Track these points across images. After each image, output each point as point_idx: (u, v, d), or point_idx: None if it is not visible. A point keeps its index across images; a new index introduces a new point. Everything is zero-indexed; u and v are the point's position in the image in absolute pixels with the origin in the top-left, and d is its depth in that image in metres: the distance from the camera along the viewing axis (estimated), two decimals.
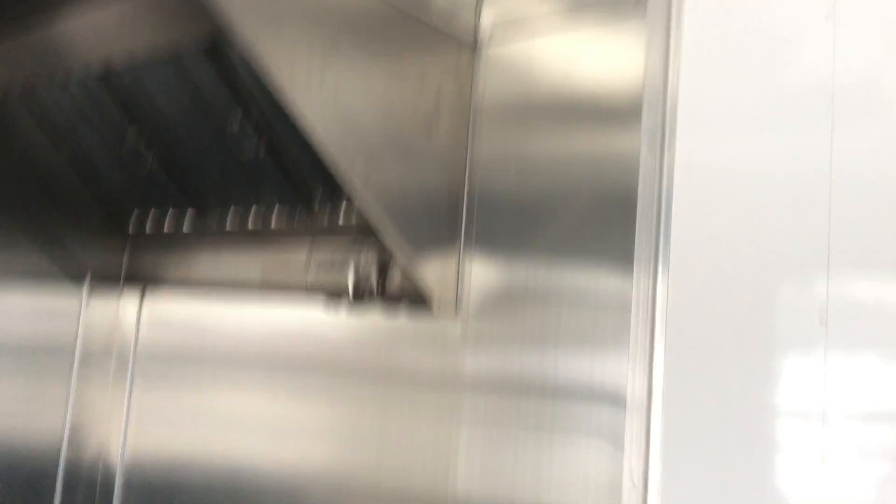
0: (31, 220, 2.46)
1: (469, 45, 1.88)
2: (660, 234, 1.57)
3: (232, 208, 2.26)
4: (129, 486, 2.57)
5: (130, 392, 2.59)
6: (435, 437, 1.83)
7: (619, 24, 1.68)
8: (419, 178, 1.77)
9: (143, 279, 2.58)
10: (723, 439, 1.48)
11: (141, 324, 2.59)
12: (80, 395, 2.64)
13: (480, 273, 1.82)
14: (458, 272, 1.84)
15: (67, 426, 2.62)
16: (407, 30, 1.75)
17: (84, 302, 2.64)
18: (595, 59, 1.71)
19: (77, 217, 2.55)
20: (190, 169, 2.19)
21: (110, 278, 2.62)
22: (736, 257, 1.51)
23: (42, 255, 2.54)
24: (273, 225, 2.19)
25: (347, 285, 1.95)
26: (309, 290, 2.03)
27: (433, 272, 1.79)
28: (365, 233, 2.00)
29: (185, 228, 2.42)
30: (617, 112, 1.67)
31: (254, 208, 2.21)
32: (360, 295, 1.94)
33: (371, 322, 2.01)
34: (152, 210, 2.46)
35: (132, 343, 2.60)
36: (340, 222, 2.05)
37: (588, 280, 1.66)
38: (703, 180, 1.55)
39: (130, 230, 2.58)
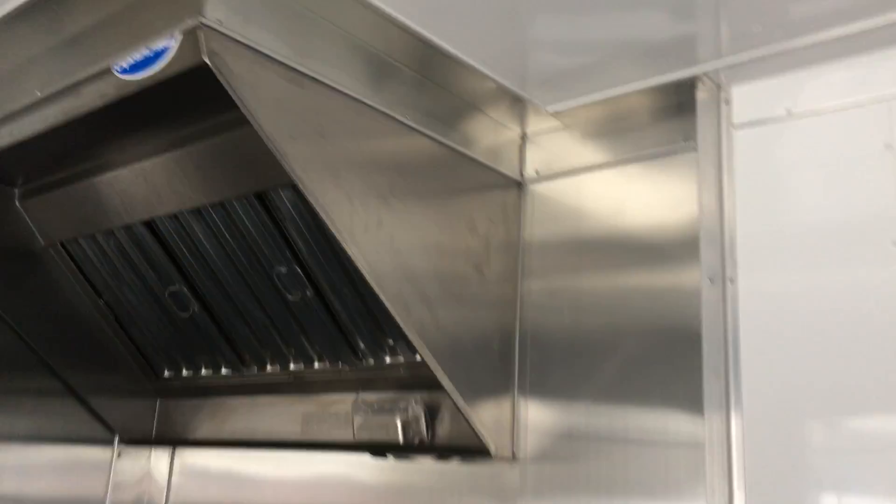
0: (64, 375, 2.42)
1: (515, 182, 1.89)
2: (729, 371, 1.52)
3: (272, 354, 2.21)
4: None
5: None
6: None
7: (669, 159, 1.69)
8: (472, 321, 1.74)
9: (174, 434, 2.50)
10: None
11: (173, 478, 2.50)
12: None
13: (537, 415, 1.76)
14: (514, 415, 1.78)
15: None
16: (455, 169, 1.77)
17: (115, 457, 2.55)
18: (646, 194, 1.71)
19: (109, 373, 2.51)
20: (232, 312, 2.16)
21: (142, 434, 2.54)
22: (810, 393, 1.45)
23: (74, 411, 2.48)
24: (316, 369, 2.14)
25: (396, 432, 1.88)
26: (355, 438, 1.96)
27: (488, 416, 1.73)
28: (413, 377, 1.95)
29: (223, 374, 2.36)
30: (672, 247, 1.65)
31: (295, 353, 2.17)
32: (410, 441, 1.87)
33: (421, 470, 1.93)
34: (188, 357, 2.42)
35: (163, 498, 2.50)
36: (386, 367, 2.00)
37: (655, 421, 1.59)
38: (769, 315, 1.52)
39: (163, 380, 2.52)
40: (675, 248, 1.65)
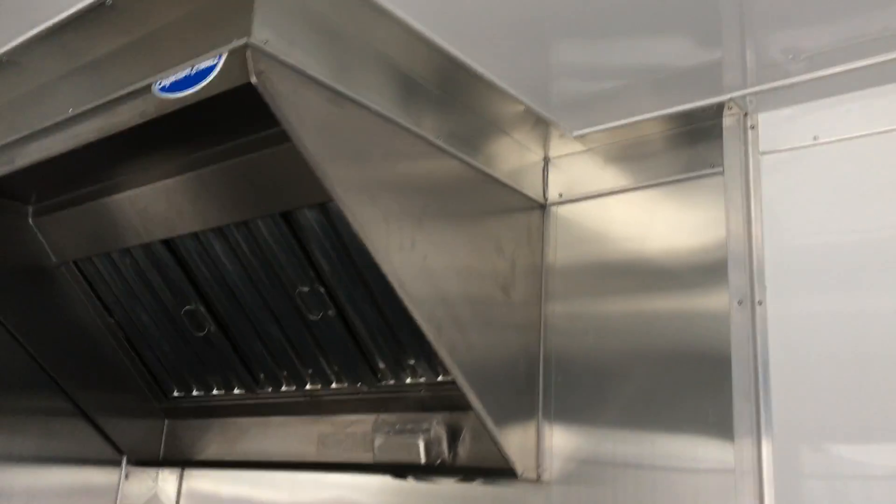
0: (72, 395, 2.39)
1: (538, 205, 1.91)
2: (759, 394, 1.53)
3: (288, 374, 2.20)
4: None
5: None
6: None
7: (694, 183, 1.72)
8: (499, 343, 1.75)
9: (183, 455, 2.48)
10: None
11: (181, 500, 2.47)
12: None
13: (562, 439, 1.76)
14: (539, 438, 1.78)
15: None
16: (482, 191, 1.78)
17: (122, 479, 2.52)
18: (671, 218, 1.74)
19: (117, 392, 2.48)
20: (249, 331, 2.15)
21: (150, 454, 2.51)
22: (841, 417, 1.47)
23: (82, 431, 2.45)
24: (333, 389, 2.13)
25: (418, 453, 1.87)
26: (376, 459, 1.95)
27: (514, 438, 1.73)
28: (433, 398, 1.95)
29: (235, 394, 2.35)
30: (698, 271, 1.67)
31: (312, 373, 2.16)
32: (432, 462, 1.87)
33: (442, 493, 1.92)
34: (199, 377, 2.40)
35: None
36: (406, 387, 2.00)
37: (683, 446, 1.60)
38: (799, 338, 1.53)
39: (172, 400, 2.50)
40: (701, 272, 1.67)
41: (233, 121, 1.65)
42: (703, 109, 1.70)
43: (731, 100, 1.66)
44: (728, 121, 1.68)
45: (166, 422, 2.54)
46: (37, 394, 2.37)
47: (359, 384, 2.08)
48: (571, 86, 1.86)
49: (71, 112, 1.61)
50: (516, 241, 1.83)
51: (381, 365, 2.01)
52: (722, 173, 1.67)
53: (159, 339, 2.35)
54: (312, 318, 1.99)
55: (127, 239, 2.13)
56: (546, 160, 1.94)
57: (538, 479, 1.75)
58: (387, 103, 1.54)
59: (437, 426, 1.88)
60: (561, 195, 1.90)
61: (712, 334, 1.62)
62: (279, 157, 1.76)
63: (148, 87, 1.45)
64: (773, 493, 1.47)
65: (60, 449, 2.42)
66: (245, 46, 1.28)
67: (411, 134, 1.59)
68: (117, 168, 1.94)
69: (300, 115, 1.36)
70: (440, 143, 1.65)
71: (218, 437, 2.42)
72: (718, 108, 1.69)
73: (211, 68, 1.35)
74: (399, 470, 1.94)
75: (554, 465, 1.75)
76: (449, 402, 1.92)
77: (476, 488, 1.85)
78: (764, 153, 1.63)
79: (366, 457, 2.01)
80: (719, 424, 1.56)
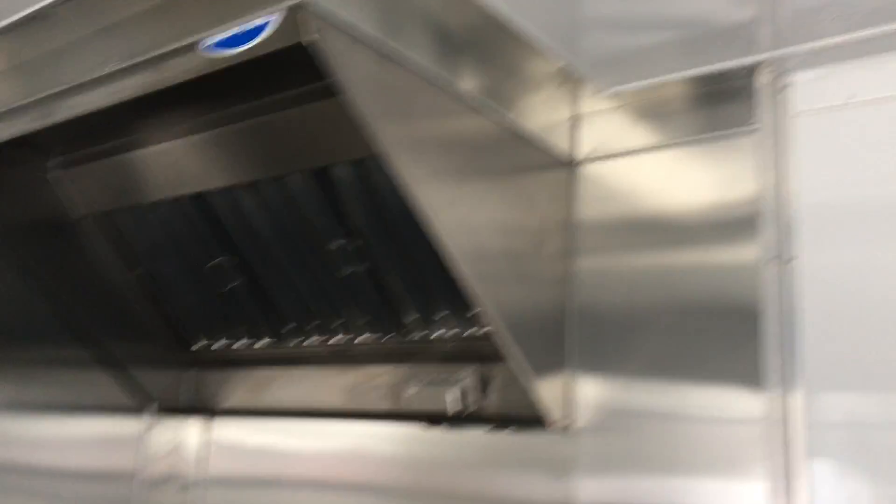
0: (96, 345, 2.42)
1: (567, 162, 1.93)
2: (789, 347, 1.58)
3: (315, 326, 2.24)
4: None
5: None
6: None
7: (725, 142, 1.74)
8: (532, 295, 1.79)
9: (208, 403, 2.52)
10: None
11: (209, 449, 2.52)
12: None
13: (592, 390, 1.81)
14: (569, 389, 1.83)
15: None
16: (515, 148, 1.80)
17: (147, 428, 2.57)
18: (702, 175, 1.76)
19: (141, 342, 2.52)
20: (277, 285, 2.18)
21: (175, 403, 2.56)
22: (871, 368, 1.52)
23: (106, 382, 2.49)
24: (360, 341, 2.17)
25: (449, 402, 1.92)
26: (406, 408, 2.00)
27: (546, 388, 1.78)
28: (461, 350, 2.00)
29: (260, 345, 2.39)
30: (729, 226, 1.71)
31: (339, 326, 2.20)
32: (463, 412, 1.92)
33: (470, 443, 1.98)
34: (225, 328, 2.43)
35: (197, 470, 2.52)
36: (434, 340, 2.05)
37: (712, 397, 1.65)
38: (830, 291, 1.57)
39: (196, 351, 2.54)
40: (730, 228, 1.71)
41: (273, 77, 1.66)
42: (737, 69, 1.72)
43: (765, 60, 1.68)
44: (761, 80, 1.70)
45: (190, 371, 2.57)
46: (65, 345, 2.41)
47: (386, 337, 2.12)
48: (603, 42, 1.88)
49: (109, 68, 1.61)
50: (547, 197, 1.86)
51: (410, 318, 2.06)
52: (754, 132, 1.70)
53: (184, 291, 2.38)
54: (343, 272, 2.02)
55: (156, 192, 2.14)
56: (576, 118, 1.96)
57: (568, 429, 1.81)
58: (429, 61, 1.55)
59: (466, 377, 1.93)
60: (590, 152, 1.93)
61: (740, 288, 1.66)
62: (315, 112, 1.78)
63: (193, 45, 1.45)
64: (802, 442, 1.53)
65: (88, 399, 2.46)
66: (300, 5, 1.29)
67: (452, 92, 1.60)
68: (149, 122, 1.94)
69: (351, 74, 1.37)
70: (478, 101, 1.66)
71: (243, 387, 2.46)
72: (751, 68, 1.71)
73: (262, 27, 1.35)
74: (429, 419, 1.99)
75: (584, 415, 1.80)
76: (477, 354, 1.97)
77: (506, 437, 1.91)
78: (798, 113, 1.66)
79: (394, 407, 2.07)
80: (747, 375, 1.61)
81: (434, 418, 1.98)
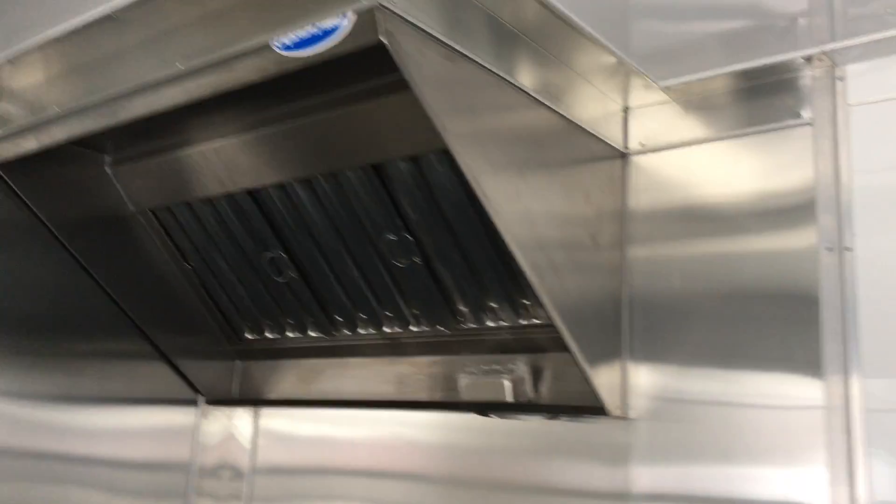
0: (151, 337, 2.47)
1: (620, 153, 1.96)
2: (848, 334, 1.61)
3: (367, 318, 2.28)
4: None
5: None
6: None
7: (779, 134, 1.77)
8: (588, 285, 1.82)
9: (259, 394, 2.57)
10: None
11: (260, 439, 2.57)
12: None
13: (648, 378, 1.84)
14: (625, 377, 1.86)
15: None
16: (571, 140, 1.83)
17: (199, 419, 2.63)
18: (755, 167, 1.79)
19: (192, 335, 2.57)
20: (330, 278, 2.22)
21: (226, 394, 2.62)
22: None
23: (159, 373, 2.55)
24: (412, 332, 2.21)
25: (504, 391, 1.96)
26: (462, 398, 2.04)
27: (602, 376, 1.82)
28: (514, 341, 2.04)
29: (311, 336, 2.43)
30: (782, 214, 1.73)
31: (391, 317, 2.24)
32: (518, 401, 1.96)
33: (525, 431, 2.01)
34: (275, 320, 2.48)
35: (249, 459, 2.58)
36: (486, 330, 2.08)
37: (770, 385, 1.68)
38: (888, 278, 1.60)
39: (246, 342, 2.59)
40: (785, 216, 1.73)
41: (335, 75, 1.70)
42: (791, 62, 1.74)
43: (819, 53, 1.70)
44: (816, 73, 1.72)
45: (241, 363, 2.63)
46: (119, 338, 2.47)
47: (438, 327, 2.16)
48: (657, 35, 1.90)
49: (180, 67, 1.65)
50: (601, 188, 1.89)
51: (463, 308, 2.09)
52: (808, 124, 1.72)
53: (235, 285, 2.43)
54: (398, 265, 2.06)
55: (211, 188, 2.19)
56: (627, 109, 1.99)
57: (625, 417, 1.84)
58: (490, 57, 1.58)
59: (521, 366, 1.97)
60: (642, 144, 1.95)
61: (797, 275, 1.68)
62: (374, 110, 1.82)
63: (267, 45, 1.49)
64: (862, 428, 1.56)
65: (142, 390, 2.52)
66: (375, 6, 1.32)
67: (512, 86, 1.63)
68: (210, 120, 1.99)
69: (422, 72, 1.40)
70: (536, 94, 1.69)
71: (292, 378, 2.51)
72: (805, 61, 1.73)
73: (336, 27, 1.39)
74: (485, 408, 2.03)
75: (640, 404, 1.83)
76: (530, 344, 2.01)
77: (562, 425, 1.95)
78: (853, 104, 1.68)
79: (448, 397, 2.11)
80: (806, 362, 1.64)
81: (488, 408, 2.01)
